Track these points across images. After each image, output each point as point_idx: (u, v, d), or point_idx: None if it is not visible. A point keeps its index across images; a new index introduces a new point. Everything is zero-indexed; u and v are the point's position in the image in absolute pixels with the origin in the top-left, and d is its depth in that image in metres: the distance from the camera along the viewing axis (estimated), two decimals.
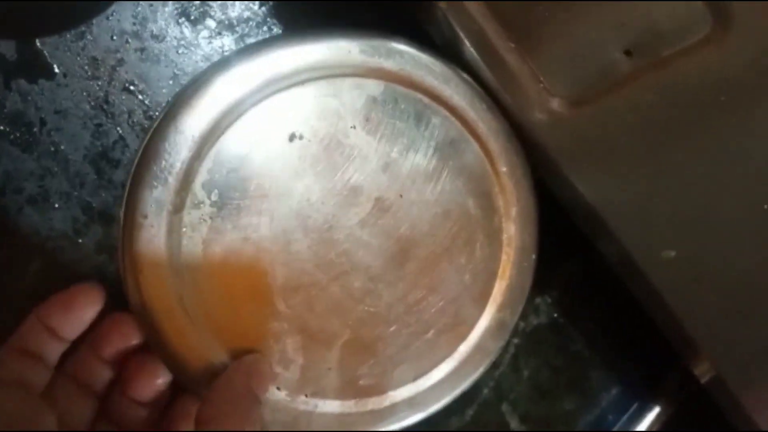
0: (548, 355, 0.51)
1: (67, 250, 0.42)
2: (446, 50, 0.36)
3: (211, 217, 0.36)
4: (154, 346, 0.36)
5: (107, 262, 0.42)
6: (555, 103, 0.34)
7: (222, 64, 0.38)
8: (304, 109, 0.37)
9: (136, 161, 0.37)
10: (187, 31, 0.44)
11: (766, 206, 0.31)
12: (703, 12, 0.28)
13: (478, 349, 0.41)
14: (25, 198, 0.41)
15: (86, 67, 0.42)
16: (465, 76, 0.37)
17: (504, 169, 0.38)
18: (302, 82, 0.36)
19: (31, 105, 0.41)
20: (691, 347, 0.39)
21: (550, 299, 0.51)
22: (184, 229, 0.36)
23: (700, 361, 0.40)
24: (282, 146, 0.36)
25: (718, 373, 0.40)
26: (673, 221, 0.35)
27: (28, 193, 0.41)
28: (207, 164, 0.36)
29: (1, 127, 0.41)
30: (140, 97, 0.43)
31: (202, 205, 0.36)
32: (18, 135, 0.41)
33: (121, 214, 0.37)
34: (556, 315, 0.51)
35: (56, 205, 0.42)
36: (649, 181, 0.34)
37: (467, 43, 0.34)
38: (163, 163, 0.36)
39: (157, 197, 0.35)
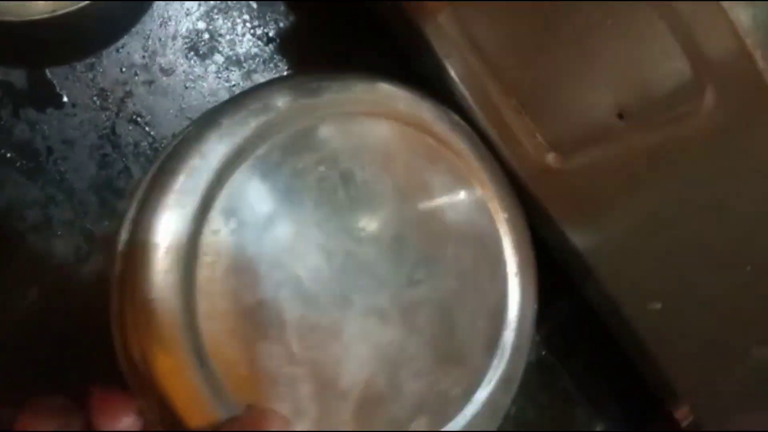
0: (534, 393, 0.52)
1: (68, 277, 0.42)
2: (447, 101, 0.38)
3: (228, 247, 0.33)
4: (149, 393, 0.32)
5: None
6: (550, 158, 0.35)
7: (251, 91, 0.38)
8: (326, 143, 0.36)
9: (146, 184, 0.34)
10: (195, 65, 0.45)
11: (749, 267, 0.32)
12: (692, 81, 0.29)
13: (490, 402, 0.40)
14: (28, 225, 0.42)
15: (95, 98, 0.43)
16: (464, 123, 0.39)
17: (505, 215, 0.39)
18: (323, 118, 0.36)
19: (39, 133, 0.42)
20: (672, 393, 0.40)
21: (539, 337, 0.52)
22: (200, 258, 0.33)
23: (681, 406, 0.42)
24: (304, 176, 0.36)
25: (697, 419, 0.41)
26: (660, 274, 0.37)
27: (32, 220, 0.42)
28: (227, 190, 0.34)
29: (9, 155, 0.42)
30: (146, 128, 0.44)
31: (219, 233, 0.34)
32: (24, 162, 0.42)
33: (123, 241, 0.34)
34: (544, 353, 0.52)
35: (59, 233, 0.42)
36: (637, 235, 0.36)
37: (468, 95, 0.36)
38: (181, 185, 0.33)
39: (173, 221, 0.33)
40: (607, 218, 0.36)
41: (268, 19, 0.46)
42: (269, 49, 0.46)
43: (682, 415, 0.43)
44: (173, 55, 0.45)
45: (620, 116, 0.31)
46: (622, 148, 0.32)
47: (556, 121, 0.34)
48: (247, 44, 0.46)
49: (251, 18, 0.46)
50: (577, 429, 0.52)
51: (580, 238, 0.37)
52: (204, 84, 0.45)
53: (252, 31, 0.46)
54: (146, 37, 0.44)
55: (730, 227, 0.33)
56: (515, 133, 0.35)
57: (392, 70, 0.41)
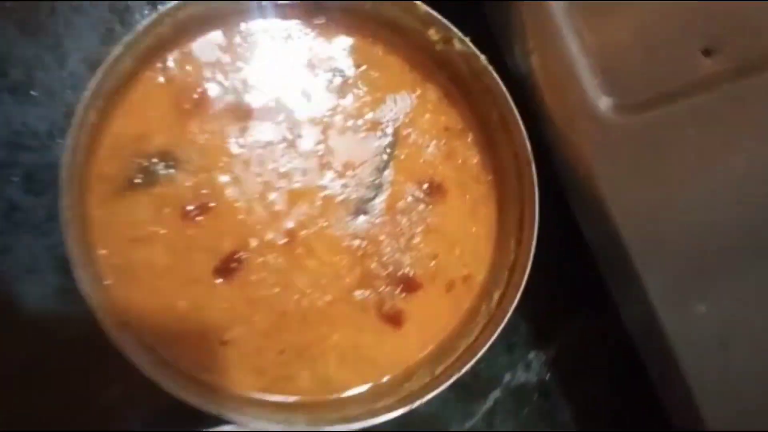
0: (529, 420, 0.44)
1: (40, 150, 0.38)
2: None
3: None
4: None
5: None
6: (603, 104, 0.30)
7: None
8: None
9: None
10: None
11: None
12: None
13: None
14: (7, 83, 0.38)
15: None
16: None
17: None
18: None
19: None
20: (693, 419, 0.33)
21: (545, 356, 0.45)
22: None
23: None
24: None
25: None
26: (709, 270, 0.30)
27: (14, 78, 0.38)
28: None
29: (9, 4, 0.38)
30: None
31: None
32: (23, 16, 0.38)
33: None
34: (548, 376, 0.45)
35: (38, 100, 0.38)
36: (692, 210, 0.30)
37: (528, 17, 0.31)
38: None
39: None
40: (659, 187, 0.30)
41: None
42: None
43: None
44: None
45: (707, 52, 0.26)
46: (702, 94, 0.27)
47: (626, 61, 0.29)
48: None
49: None
50: None
51: (622, 215, 0.31)
52: None
53: None
54: None
55: None
56: (573, 68, 0.30)
57: None
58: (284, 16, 0.36)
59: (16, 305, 0.39)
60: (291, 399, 0.38)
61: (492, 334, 0.36)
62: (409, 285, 0.39)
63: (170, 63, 0.35)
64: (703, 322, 0.31)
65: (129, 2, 0.39)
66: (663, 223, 0.31)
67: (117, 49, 0.31)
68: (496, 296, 0.39)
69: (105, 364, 0.40)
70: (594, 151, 0.31)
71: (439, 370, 0.38)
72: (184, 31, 0.34)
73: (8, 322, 0.39)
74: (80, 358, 0.40)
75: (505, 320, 0.36)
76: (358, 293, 0.38)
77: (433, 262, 0.39)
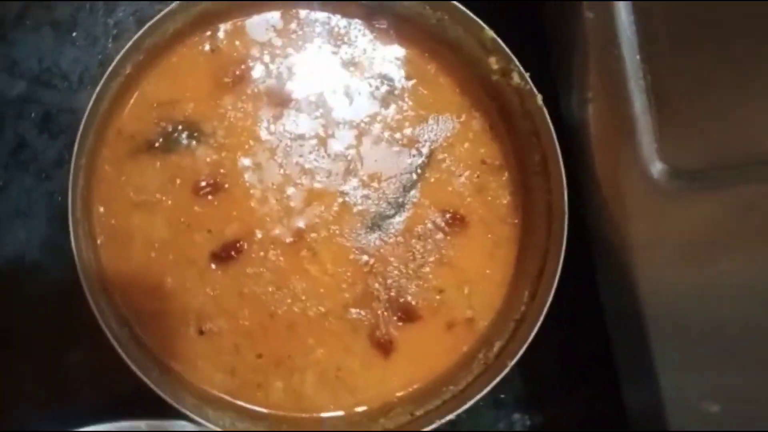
0: None
1: None
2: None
3: None
4: None
5: None
6: (656, 169, 0.28)
7: None
8: None
9: None
10: None
11: None
12: None
13: None
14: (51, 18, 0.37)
15: None
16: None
17: None
18: None
19: None
20: None
21: (531, 422, 0.42)
22: None
23: None
24: None
25: None
26: (731, 370, 0.28)
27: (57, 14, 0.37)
28: None
29: None
30: None
31: None
32: None
33: None
34: None
35: None
36: (724, 302, 0.28)
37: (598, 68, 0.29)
38: None
39: None
40: (695, 269, 0.28)
41: None
42: None
43: None
44: None
45: None
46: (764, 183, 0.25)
47: (693, 128, 0.27)
48: None
49: None
50: None
51: (650, 288, 0.29)
52: None
53: None
54: None
55: None
56: (633, 123, 0.28)
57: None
58: (346, 13, 0.35)
59: None
60: (257, 409, 0.35)
61: (484, 387, 0.34)
62: (409, 314, 0.37)
63: (220, 33, 0.34)
64: (714, 423, 0.29)
65: None
66: (691, 309, 0.29)
67: (171, 6, 0.30)
68: (497, 347, 0.36)
69: (73, 326, 0.38)
70: (635, 217, 0.29)
71: (419, 412, 0.35)
72: (242, 5, 0.32)
73: None
74: (48, 314, 0.38)
75: (502, 375, 0.34)
76: (354, 311, 0.36)
77: (438, 296, 0.37)
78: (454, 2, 0.33)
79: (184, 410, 0.31)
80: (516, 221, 0.37)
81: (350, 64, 0.35)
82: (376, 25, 0.35)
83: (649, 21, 0.27)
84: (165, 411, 0.35)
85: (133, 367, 0.30)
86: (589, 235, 0.34)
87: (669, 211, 0.28)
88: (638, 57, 0.27)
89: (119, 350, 0.30)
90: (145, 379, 0.30)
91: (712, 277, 0.28)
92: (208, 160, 0.34)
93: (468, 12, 0.32)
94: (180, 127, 0.34)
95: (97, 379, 0.38)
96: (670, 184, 0.28)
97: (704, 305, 0.28)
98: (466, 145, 0.37)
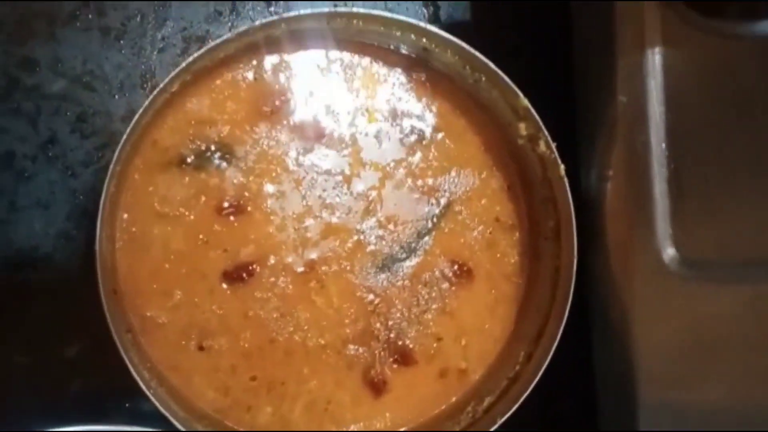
0: None
1: None
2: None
3: None
4: None
5: None
6: (668, 255, 0.29)
7: None
8: None
9: None
10: None
11: None
12: None
13: None
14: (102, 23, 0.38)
15: None
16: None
17: None
18: None
19: None
20: None
21: None
22: None
23: None
24: None
25: None
26: None
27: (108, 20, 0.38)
28: None
29: None
30: None
31: None
32: None
33: None
34: None
35: None
36: (719, 399, 0.29)
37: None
38: None
39: None
40: (698, 365, 0.29)
41: None
42: None
43: None
44: None
45: None
46: None
47: (706, 224, 0.28)
48: None
49: None
50: None
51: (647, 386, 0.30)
52: None
53: None
54: None
55: None
56: (650, 208, 0.30)
57: None
58: (388, 61, 0.36)
59: (12, 232, 0.38)
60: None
61: None
62: (405, 357, 0.37)
63: (266, 64, 0.35)
64: None
65: None
66: (684, 396, 0.29)
67: (228, 36, 0.31)
68: (486, 402, 0.37)
69: (73, 323, 0.38)
70: (640, 297, 0.30)
71: None
72: (292, 40, 0.34)
73: None
74: (50, 308, 0.38)
75: (490, 431, 0.35)
76: (352, 348, 0.37)
77: (435, 344, 0.37)
78: (494, 67, 0.34)
79: (176, 423, 0.32)
80: (520, 281, 0.38)
81: (385, 109, 0.36)
82: (414, 77, 0.37)
83: (678, 112, 0.29)
84: (146, 417, 0.35)
85: (134, 374, 0.30)
86: (589, 304, 0.35)
87: (675, 296, 0.29)
88: (664, 145, 0.29)
89: (123, 354, 0.30)
90: (142, 386, 0.31)
91: (705, 368, 0.29)
92: (235, 181, 0.35)
93: (506, 78, 0.34)
94: (213, 147, 0.34)
95: (89, 379, 0.38)
96: (679, 270, 0.29)
97: (698, 394, 0.29)
98: (483, 201, 0.38)
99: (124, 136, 0.30)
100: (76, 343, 0.38)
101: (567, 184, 0.34)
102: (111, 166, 0.30)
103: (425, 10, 0.41)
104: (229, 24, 0.39)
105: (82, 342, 0.38)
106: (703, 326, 0.28)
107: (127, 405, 0.38)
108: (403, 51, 0.36)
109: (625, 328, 0.31)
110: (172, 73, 0.30)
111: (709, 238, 0.28)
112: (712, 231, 0.28)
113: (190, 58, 0.30)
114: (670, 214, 0.29)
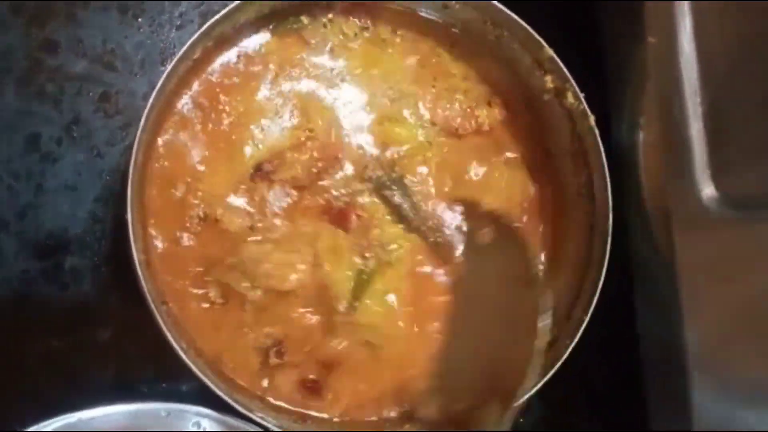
0: None
1: None
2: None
3: None
4: None
5: None
6: (707, 195, 0.28)
7: None
8: None
9: None
10: None
11: None
12: None
13: None
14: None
15: None
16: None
17: None
18: None
19: None
20: None
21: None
22: None
23: None
24: None
25: None
26: None
27: None
28: None
29: None
30: None
31: None
32: None
33: None
34: None
35: None
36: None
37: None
38: None
39: None
40: (747, 304, 0.28)
41: None
42: None
43: None
44: None
45: None
46: None
47: (744, 160, 0.28)
48: None
49: None
50: None
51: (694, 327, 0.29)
52: None
53: None
54: None
55: None
56: (687, 153, 0.29)
57: None
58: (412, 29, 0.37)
59: (41, 215, 0.38)
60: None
61: None
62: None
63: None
64: None
65: None
66: (733, 337, 0.29)
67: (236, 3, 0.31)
68: None
69: (104, 302, 0.38)
70: (681, 241, 0.29)
71: None
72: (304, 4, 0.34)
73: (25, 226, 0.37)
74: (81, 287, 0.38)
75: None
76: None
77: None
78: (515, 16, 0.33)
79: (216, 391, 0.31)
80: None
81: None
82: None
83: (710, 47, 0.28)
84: (182, 396, 0.35)
85: (174, 344, 0.30)
86: (630, 261, 0.34)
87: (717, 237, 0.28)
88: (697, 82, 0.28)
89: (162, 326, 0.30)
90: (183, 357, 0.30)
91: (755, 308, 0.28)
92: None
93: (528, 27, 0.33)
94: None
95: (124, 361, 0.38)
96: (722, 212, 0.28)
97: (748, 335, 0.28)
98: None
99: (148, 105, 0.30)
100: (110, 326, 0.38)
101: (597, 134, 0.33)
102: (137, 134, 0.30)
103: None
104: None
105: (115, 325, 0.38)
106: (749, 264, 0.27)
107: (164, 385, 0.38)
108: (422, 13, 0.36)
109: (669, 277, 0.30)
110: (193, 37, 0.30)
111: (751, 175, 0.28)
112: (753, 167, 0.28)
113: (209, 23, 0.30)
114: (706, 153, 0.28)
